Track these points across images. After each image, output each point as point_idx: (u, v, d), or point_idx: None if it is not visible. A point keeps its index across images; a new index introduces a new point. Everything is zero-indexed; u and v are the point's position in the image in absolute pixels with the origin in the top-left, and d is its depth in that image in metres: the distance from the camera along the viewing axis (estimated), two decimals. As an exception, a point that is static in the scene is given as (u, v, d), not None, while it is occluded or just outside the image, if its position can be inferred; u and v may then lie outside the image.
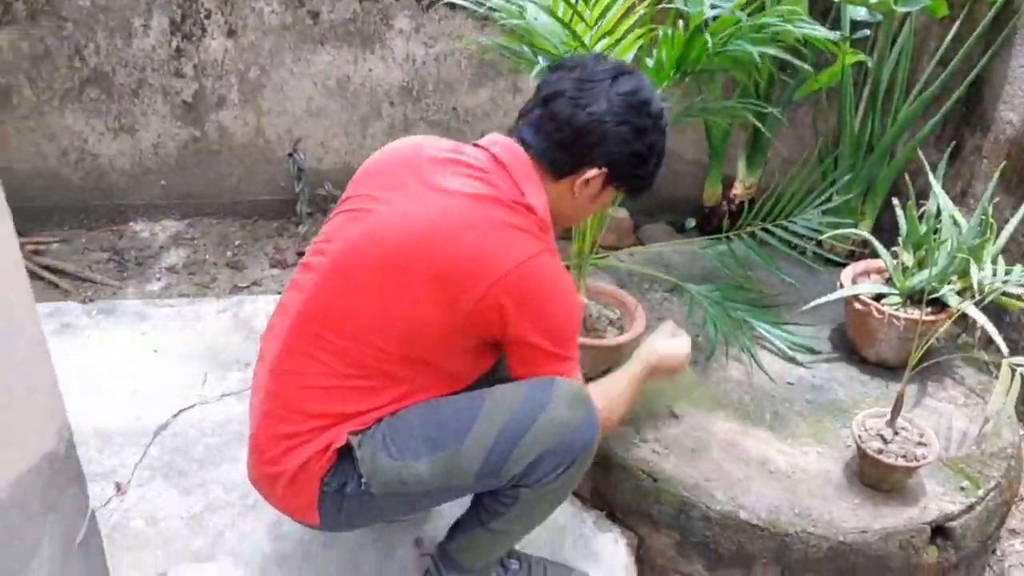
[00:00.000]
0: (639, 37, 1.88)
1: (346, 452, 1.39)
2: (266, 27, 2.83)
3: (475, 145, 1.48)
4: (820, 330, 2.29)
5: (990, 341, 1.77)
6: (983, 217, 2.00)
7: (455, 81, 2.98)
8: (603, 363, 1.92)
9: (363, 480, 1.37)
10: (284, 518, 1.81)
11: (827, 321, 2.31)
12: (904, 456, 1.71)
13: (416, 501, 1.44)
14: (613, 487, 1.84)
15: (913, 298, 2.08)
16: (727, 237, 2.40)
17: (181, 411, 2.16)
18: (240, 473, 1.87)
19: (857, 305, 2.10)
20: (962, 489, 1.77)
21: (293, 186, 3.03)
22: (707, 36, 1.81)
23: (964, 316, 1.91)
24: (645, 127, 1.43)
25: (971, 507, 1.74)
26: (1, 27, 2.70)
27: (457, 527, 1.58)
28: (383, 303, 1.35)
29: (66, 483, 1.19)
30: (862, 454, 1.73)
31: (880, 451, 1.71)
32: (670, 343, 1.67)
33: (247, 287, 2.79)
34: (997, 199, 2.21)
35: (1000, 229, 2.04)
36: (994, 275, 1.90)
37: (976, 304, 1.87)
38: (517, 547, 1.72)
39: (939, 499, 1.74)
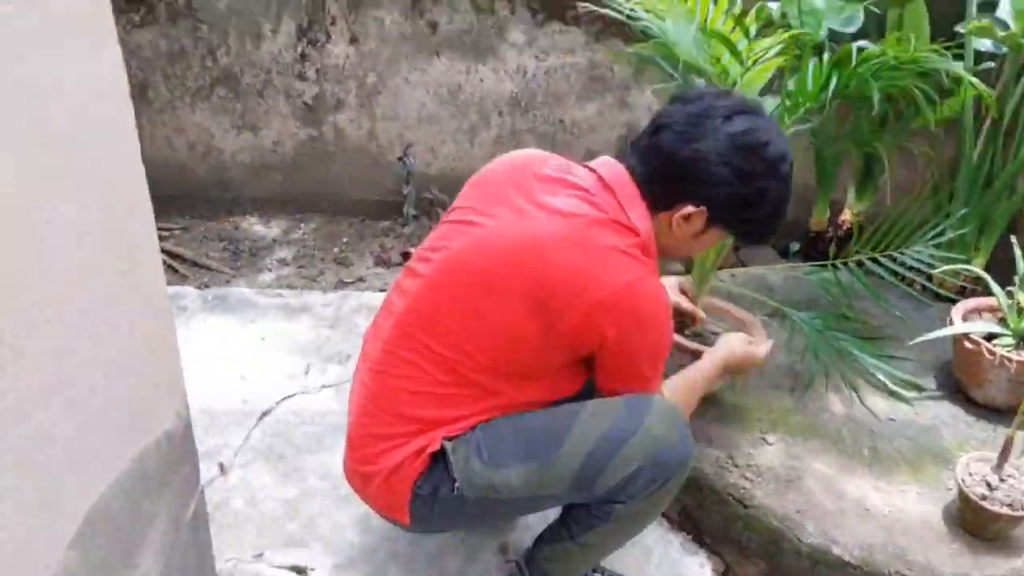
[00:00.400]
0: (779, 60, 1.87)
1: (440, 456, 1.42)
2: (386, 35, 2.93)
3: (584, 166, 1.49)
4: (925, 367, 2.22)
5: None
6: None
7: (564, 94, 3.02)
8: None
9: (456, 484, 1.40)
10: (372, 513, 1.89)
11: (933, 358, 2.23)
12: (1010, 505, 1.64)
13: (506, 509, 1.47)
14: (702, 511, 1.83)
15: None
16: (833, 264, 2.35)
17: (284, 398, 2.26)
18: (334, 464, 1.96)
19: (967, 344, 2.03)
20: None
21: (401, 189, 3.12)
22: (857, 67, 1.79)
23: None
24: (753, 171, 1.39)
25: None
26: (143, 26, 2.89)
27: (545, 537, 1.59)
28: (481, 315, 1.36)
29: (181, 461, 1.25)
30: (965, 499, 1.67)
31: (984, 497, 1.64)
32: (748, 349, 1.70)
33: (352, 283, 2.89)
34: None
35: None
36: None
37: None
38: (602, 562, 1.73)
39: None
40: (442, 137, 3.10)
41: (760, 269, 2.73)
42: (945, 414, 2.06)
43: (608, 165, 1.46)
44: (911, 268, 2.29)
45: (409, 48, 2.95)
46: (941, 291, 2.49)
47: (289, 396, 2.28)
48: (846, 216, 2.96)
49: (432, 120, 3.07)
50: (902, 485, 1.81)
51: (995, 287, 2.09)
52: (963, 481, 1.68)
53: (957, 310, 2.13)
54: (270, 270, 2.96)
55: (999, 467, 1.70)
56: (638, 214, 1.42)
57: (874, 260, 2.30)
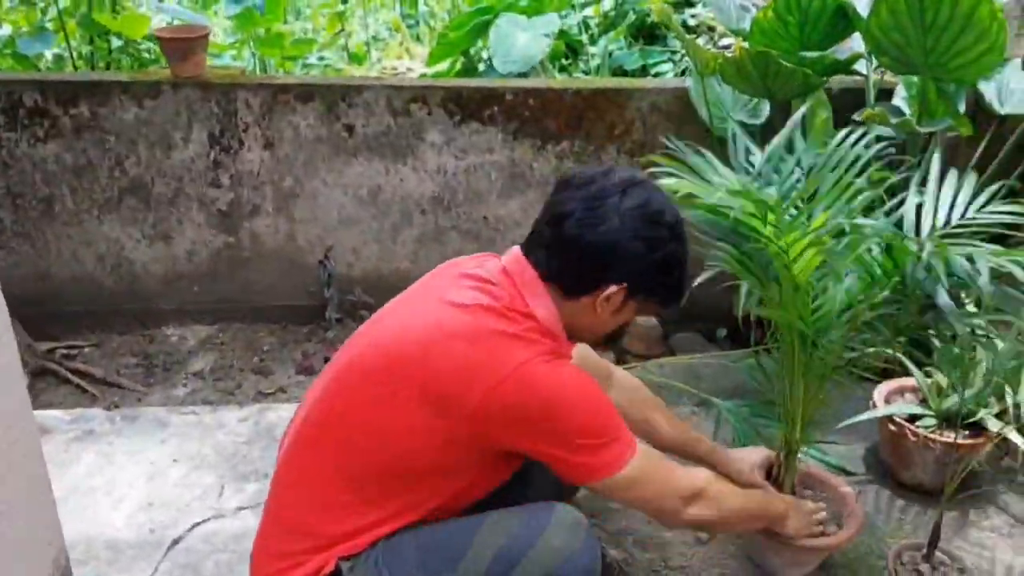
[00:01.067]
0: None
1: None
2: (302, 140, 2.92)
3: (496, 256, 1.49)
4: (854, 449, 2.21)
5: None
6: (1019, 337, 1.93)
7: (485, 192, 3.02)
8: (814, 560, 1.77)
9: None
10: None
11: (861, 440, 2.23)
12: None
13: None
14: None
15: (950, 420, 1.99)
16: (755, 351, 2.35)
17: (195, 525, 2.12)
18: (250, 593, 1.84)
19: (891, 426, 2.03)
20: None
21: (323, 292, 3.06)
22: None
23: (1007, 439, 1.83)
24: (660, 237, 1.40)
25: None
26: (47, 140, 2.82)
27: None
28: (375, 411, 1.34)
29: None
30: None
31: None
32: (809, 525, 1.66)
33: (272, 393, 2.79)
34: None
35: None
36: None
37: (1018, 429, 1.79)
38: None
39: None
40: (363, 238, 3.06)
41: (688, 358, 2.73)
42: (876, 499, 2.03)
43: (511, 253, 1.46)
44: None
45: (326, 151, 2.94)
46: (864, 373, 2.50)
47: (201, 521, 2.14)
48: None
49: (352, 222, 3.04)
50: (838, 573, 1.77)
51: (913, 369, 2.11)
52: (895, 571, 1.64)
53: (880, 392, 2.14)
54: (185, 384, 2.84)
55: (929, 555, 1.67)
56: (537, 300, 1.39)
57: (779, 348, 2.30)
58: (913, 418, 2.04)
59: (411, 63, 4.56)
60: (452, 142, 2.94)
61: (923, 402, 2.09)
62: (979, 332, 1.55)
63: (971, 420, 1.91)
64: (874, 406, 2.07)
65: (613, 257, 1.38)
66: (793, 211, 1.56)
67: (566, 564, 1.31)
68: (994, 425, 1.87)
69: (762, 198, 1.41)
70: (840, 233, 1.53)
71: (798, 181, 1.75)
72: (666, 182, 1.49)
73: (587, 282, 1.41)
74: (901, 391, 2.17)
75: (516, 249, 1.47)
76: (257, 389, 2.81)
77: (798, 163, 1.78)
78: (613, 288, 1.40)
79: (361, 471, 1.35)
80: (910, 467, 2.02)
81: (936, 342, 2.08)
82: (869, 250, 1.54)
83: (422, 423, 1.32)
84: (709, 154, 1.73)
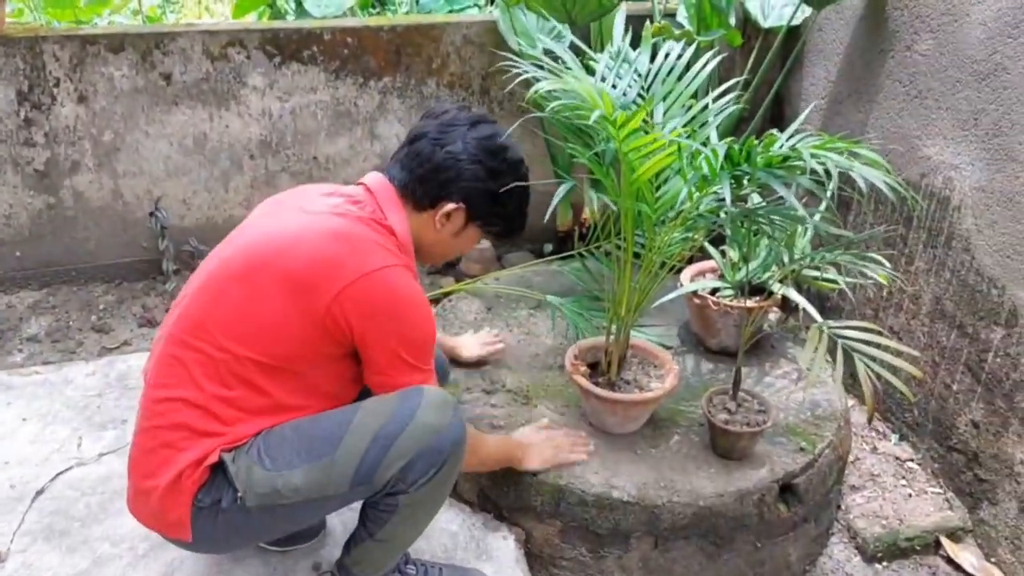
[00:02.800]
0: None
1: (220, 469, 1.45)
2: (118, 91, 2.86)
3: (358, 183, 1.65)
4: (670, 328, 2.52)
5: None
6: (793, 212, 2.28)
7: (312, 132, 3.09)
8: (643, 414, 2.03)
9: (238, 494, 1.43)
10: (175, 565, 1.85)
11: (675, 319, 2.55)
12: (748, 423, 1.92)
13: (292, 514, 1.49)
14: (497, 488, 1.97)
15: (744, 289, 2.33)
16: (580, 254, 2.61)
17: (58, 474, 2.13)
18: (127, 526, 1.89)
19: (696, 300, 2.34)
20: (801, 450, 2.00)
21: (157, 245, 3.04)
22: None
23: (798, 308, 2.17)
24: (499, 170, 1.62)
25: (811, 464, 1.97)
26: None
27: (349, 542, 1.66)
28: (243, 308, 1.44)
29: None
30: (712, 426, 1.94)
31: (727, 421, 1.92)
32: (537, 439, 1.94)
33: (117, 348, 2.77)
34: (804, 199, 2.52)
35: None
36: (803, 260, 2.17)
37: (798, 288, 2.14)
38: (414, 555, 1.81)
39: (783, 460, 1.96)
40: (194, 188, 3.06)
41: (519, 268, 2.96)
42: (691, 364, 2.36)
43: (372, 175, 1.65)
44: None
45: (145, 101, 2.90)
46: (676, 263, 2.82)
47: (64, 471, 2.15)
48: (587, 214, 3.27)
49: (181, 171, 3.02)
50: (664, 428, 2.06)
51: (712, 250, 2.43)
52: (708, 412, 1.95)
53: (685, 275, 2.46)
54: (20, 350, 2.76)
55: (734, 394, 1.99)
56: (395, 216, 1.58)
57: (616, 246, 2.58)
58: (714, 292, 2.36)
59: (214, 21, 4.45)
60: (275, 84, 2.98)
61: (720, 278, 2.41)
62: (759, 214, 1.84)
63: (760, 286, 2.25)
64: (681, 286, 2.38)
65: (454, 175, 1.59)
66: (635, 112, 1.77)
67: (437, 437, 1.47)
68: (777, 287, 2.21)
69: (613, 102, 1.61)
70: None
71: (629, 86, 1.98)
72: (542, 84, 1.67)
73: (431, 195, 1.61)
74: (702, 272, 2.49)
75: (374, 172, 1.66)
76: (101, 346, 2.78)
77: (635, 71, 2.02)
78: (451, 206, 1.61)
79: (238, 368, 1.45)
80: (715, 334, 2.35)
81: (727, 229, 2.42)
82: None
83: (287, 316, 1.44)
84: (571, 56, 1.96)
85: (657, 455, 1.97)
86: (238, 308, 1.45)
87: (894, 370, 1.67)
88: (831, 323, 1.73)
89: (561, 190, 1.82)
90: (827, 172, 1.52)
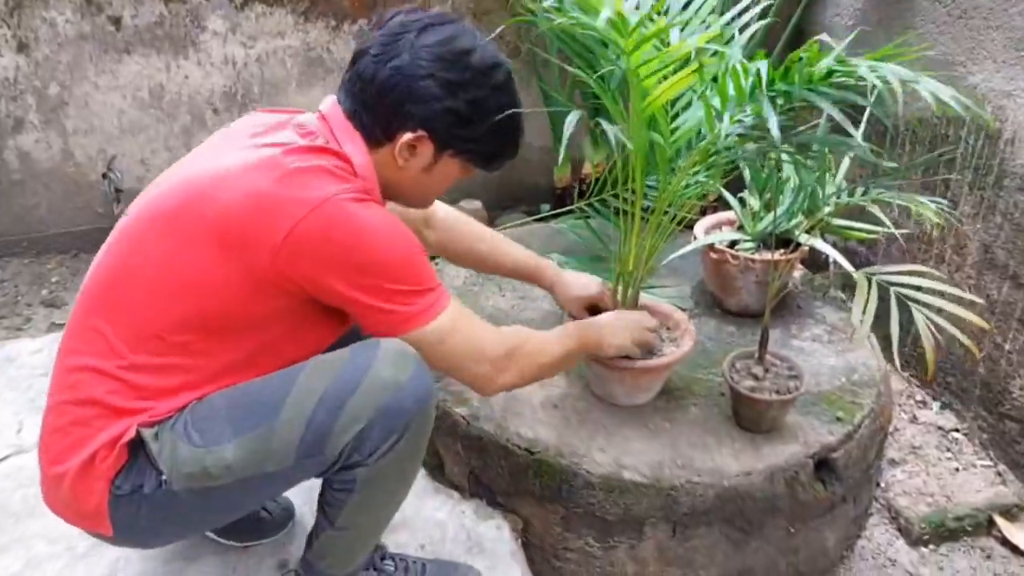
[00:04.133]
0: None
1: (140, 447, 1.19)
2: (62, 38, 2.57)
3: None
4: (682, 288, 2.26)
5: (845, 284, 1.76)
6: (821, 151, 2.01)
7: (282, 81, 2.81)
8: (655, 383, 1.77)
9: (162, 477, 1.18)
10: (119, 566, 1.60)
11: (688, 278, 2.28)
12: (778, 391, 1.66)
13: (228, 498, 1.23)
14: (490, 470, 1.71)
15: (766, 242, 2.07)
16: (581, 209, 2.34)
17: (-7, 463, 1.88)
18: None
19: (713, 255, 2.07)
20: (838, 420, 1.74)
21: (112, 210, 2.76)
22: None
23: (827, 261, 1.90)
24: (460, 81, 1.25)
25: (849, 436, 1.72)
26: None
27: (311, 534, 1.40)
28: (167, 264, 1.18)
29: None
30: (736, 395, 1.68)
31: (753, 389, 1.66)
32: (607, 319, 1.61)
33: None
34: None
35: (839, 164, 2.06)
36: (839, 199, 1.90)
37: (822, 235, 1.87)
38: (393, 548, 1.56)
39: (817, 432, 1.71)
40: (152, 145, 2.78)
41: (515, 228, 2.69)
42: (707, 328, 2.09)
43: (328, 101, 1.33)
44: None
45: (93, 49, 2.61)
46: (687, 215, 2.56)
47: (1, 459, 1.90)
48: (587, 169, 3.00)
49: (137, 128, 2.74)
50: (679, 399, 1.80)
51: (729, 197, 2.16)
52: (732, 379, 1.69)
53: (700, 226, 2.18)
54: (-37, 327, 2.50)
55: (761, 358, 1.72)
56: (353, 147, 1.27)
57: (616, 196, 2.31)
58: (732, 245, 2.09)
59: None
60: (237, 28, 2.70)
61: (740, 229, 2.14)
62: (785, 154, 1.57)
63: (785, 238, 1.98)
64: (695, 239, 2.11)
65: (401, 96, 1.24)
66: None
67: (398, 394, 1.19)
68: (803, 238, 1.94)
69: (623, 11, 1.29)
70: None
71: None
72: None
73: (383, 124, 1.27)
74: (718, 225, 2.22)
75: (332, 96, 1.33)
76: (51, 321, 2.52)
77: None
78: (409, 135, 1.27)
79: (160, 328, 1.19)
80: (735, 293, 2.09)
81: (747, 173, 2.15)
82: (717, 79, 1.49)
83: (223, 268, 1.17)
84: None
85: (673, 430, 1.71)
86: (162, 263, 1.18)
87: (959, 322, 1.41)
88: (880, 268, 1.46)
89: (571, 119, 1.38)
90: (888, 89, 1.23)
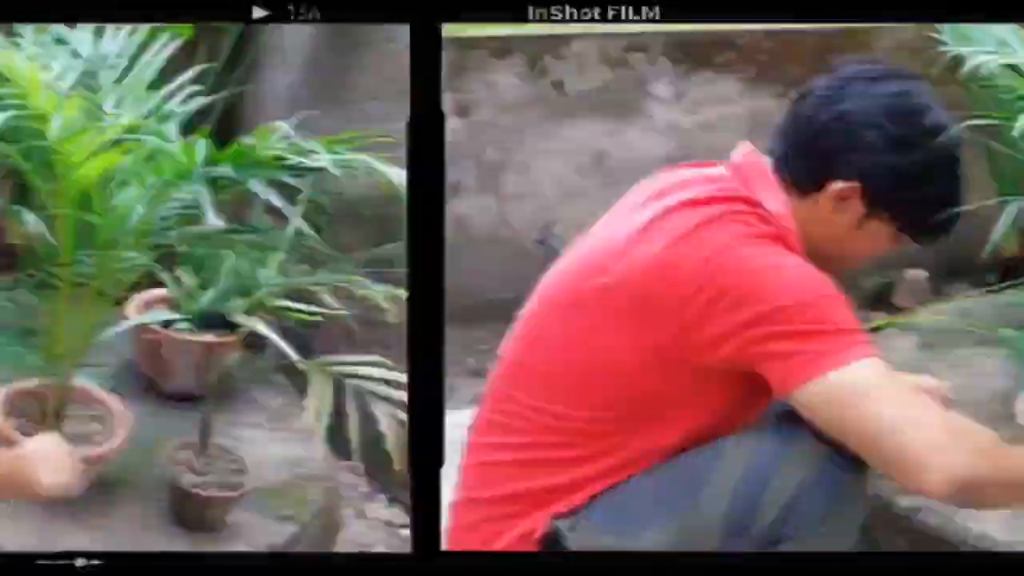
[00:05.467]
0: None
1: (552, 543, 1.11)
2: (502, 102, 2.63)
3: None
4: (113, 370, 1.91)
5: (284, 367, 1.81)
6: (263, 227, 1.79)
7: (724, 149, 2.02)
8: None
9: None
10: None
11: (123, 360, 1.95)
12: (222, 486, 1.56)
13: None
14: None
15: (209, 322, 1.89)
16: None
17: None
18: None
19: (147, 336, 1.89)
20: (286, 518, 1.62)
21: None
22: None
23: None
24: (909, 139, 1.12)
25: (297, 536, 1.60)
26: None
27: None
28: (571, 346, 1.11)
29: None
30: (175, 490, 1.54)
31: (195, 484, 1.54)
32: None
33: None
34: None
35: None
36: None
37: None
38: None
39: (265, 532, 1.58)
40: (590, 212, 1.67)
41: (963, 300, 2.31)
42: (145, 416, 1.74)
43: (740, 150, 1.22)
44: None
45: (535, 114, 2.64)
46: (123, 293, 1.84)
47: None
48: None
49: (576, 194, 2.60)
50: (119, 496, 1.64)
51: (163, 275, 1.92)
52: (172, 473, 1.55)
53: (132, 304, 1.92)
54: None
55: (203, 451, 1.60)
56: (769, 193, 1.14)
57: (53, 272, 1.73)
58: (168, 325, 1.92)
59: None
60: (683, 95, 2.66)
61: (176, 308, 1.93)
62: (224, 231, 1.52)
63: (225, 319, 1.84)
64: (125, 319, 1.83)
65: (843, 143, 1.13)
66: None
67: (831, 459, 1.05)
68: (242, 319, 1.75)
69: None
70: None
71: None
72: None
73: (814, 170, 1.15)
74: (154, 302, 1.98)
75: (748, 143, 1.24)
76: (475, 392, 1.77)
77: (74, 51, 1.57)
78: (842, 184, 1.12)
79: (567, 418, 1.11)
80: (172, 376, 1.91)
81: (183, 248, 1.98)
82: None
83: (629, 341, 1.08)
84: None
85: (110, 527, 1.54)
86: (563, 344, 1.12)
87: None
88: (335, 358, 1.52)
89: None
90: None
